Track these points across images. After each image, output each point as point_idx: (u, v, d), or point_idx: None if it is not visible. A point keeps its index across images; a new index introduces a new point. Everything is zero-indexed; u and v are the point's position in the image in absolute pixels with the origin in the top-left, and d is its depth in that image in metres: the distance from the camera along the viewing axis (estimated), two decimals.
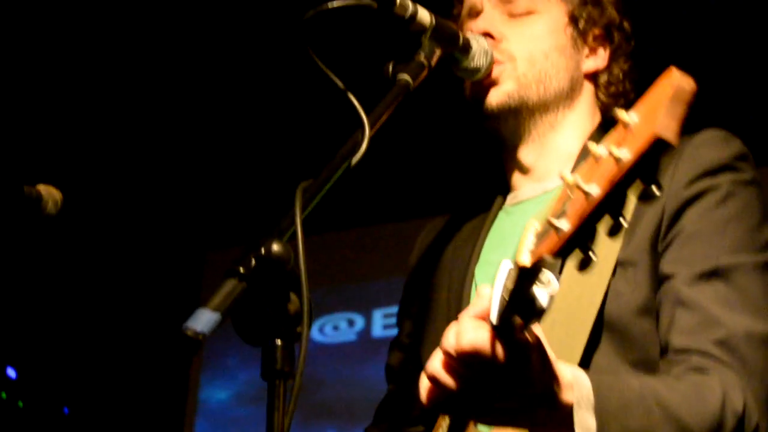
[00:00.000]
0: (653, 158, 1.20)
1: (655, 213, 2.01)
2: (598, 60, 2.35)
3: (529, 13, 2.30)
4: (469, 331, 1.53)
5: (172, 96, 5.37)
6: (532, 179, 2.31)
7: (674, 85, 1.19)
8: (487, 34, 2.25)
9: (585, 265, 1.31)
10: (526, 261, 1.38)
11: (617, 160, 1.21)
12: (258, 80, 5.21)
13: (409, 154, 4.98)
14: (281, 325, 1.55)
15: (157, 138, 5.55)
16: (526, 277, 1.38)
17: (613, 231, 1.28)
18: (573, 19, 2.32)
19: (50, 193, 2.02)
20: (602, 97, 2.34)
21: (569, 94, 2.30)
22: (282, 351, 1.55)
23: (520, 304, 1.42)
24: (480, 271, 2.23)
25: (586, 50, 2.34)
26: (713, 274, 1.93)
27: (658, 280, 1.97)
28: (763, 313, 1.91)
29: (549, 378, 1.58)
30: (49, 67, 5.09)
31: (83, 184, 4.97)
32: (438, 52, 2.06)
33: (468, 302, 2.16)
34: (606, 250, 1.97)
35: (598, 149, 1.27)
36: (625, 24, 2.38)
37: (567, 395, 1.61)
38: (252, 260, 1.54)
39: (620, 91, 2.34)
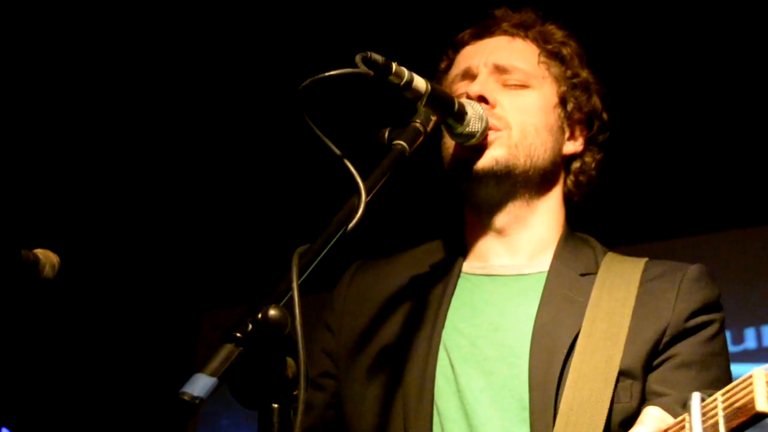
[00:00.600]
0: None
1: (657, 331, 2.15)
2: (576, 145, 2.41)
3: (523, 86, 2.35)
4: None
5: (170, 157, 5.39)
6: (504, 253, 2.33)
7: None
8: (482, 98, 2.28)
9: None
10: (766, 408, 1.51)
11: None
12: (255, 145, 5.24)
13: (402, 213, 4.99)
14: (278, 389, 1.56)
15: (153, 200, 5.56)
16: (755, 421, 1.54)
17: None
18: (562, 101, 2.38)
19: (47, 257, 2.02)
20: (570, 184, 2.40)
21: (547, 175, 2.35)
22: (279, 415, 1.56)
23: None
24: (449, 337, 2.22)
25: (567, 133, 2.39)
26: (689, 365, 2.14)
27: (647, 394, 2.12)
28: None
29: None
30: (45, 128, 5.12)
31: (80, 246, 4.98)
32: (434, 119, 2.09)
33: (434, 366, 2.17)
34: (609, 352, 2.10)
35: None
36: (604, 115, 2.45)
37: None
38: (249, 325, 1.54)
39: (588, 180, 2.42)
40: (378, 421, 2.20)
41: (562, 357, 2.10)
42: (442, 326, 2.23)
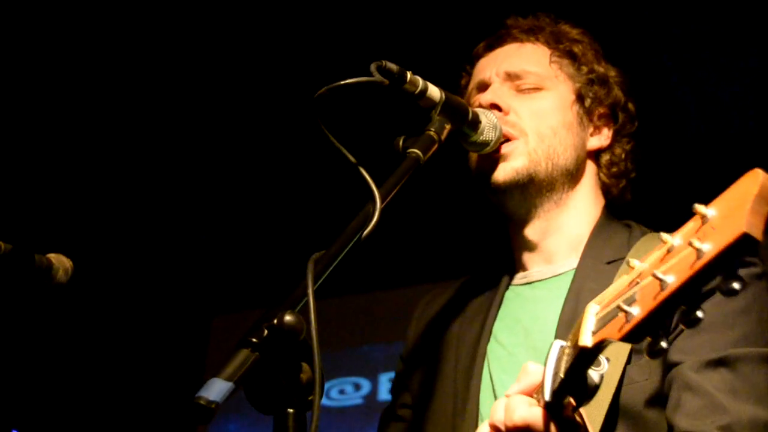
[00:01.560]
0: (735, 254, 1.23)
1: None
2: (602, 139, 2.40)
3: (537, 89, 2.35)
4: (522, 406, 1.56)
5: (182, 163, 5.41)
6: (541, 260, 2.34)
7: (760, 183, 1.23)
8: (495, 106, 2.29)
9: (657, 354, 1.33)
10: (588, 342, 1.41)
11: (698, 251, 1.24)
12: (268, 152, 5.25)
13: (417, 220, 5.00)
14: (293, 394, 1.57)
15: (165, 206, 5.58)
16: (586, 357, 1.43)
17: (690, 323, 1.30)
18: (580, 97, 2.37)
19: (61, 262, 2.03)
20: (603, 177, 2.39)
21: (574, 172, 2.34)
22: (294, 420, 1.57)
23: (574, 384, 1.47)
24: (492, 349, 2.25)
25: (590, 128, 2.38)
26: (720, 363, 1.97)
27: (667, 367, 2.02)
28: (766, 403, 1.95)
29: None
30: (58, 136, 5.14)
31: (93, 251, 5.00)
32: (448, 127, 2.09)
33: (479, 379, 2.20)
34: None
35: (673, 240, 1.30)
36: (630, 105, 2.43)
37: None
38: (264, 330, 1.55)
39: (622, 171, 2.39)
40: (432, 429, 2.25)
41: None
42: (487, 340, 2.27)
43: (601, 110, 2.39)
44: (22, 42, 4.69)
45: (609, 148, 2.40)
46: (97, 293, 5.35)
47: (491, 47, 2.47)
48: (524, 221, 2.34)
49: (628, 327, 1.33)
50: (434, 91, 2.09)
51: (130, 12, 4.63)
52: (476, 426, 2.16)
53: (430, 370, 2.34)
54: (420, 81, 2.06)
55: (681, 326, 1.30)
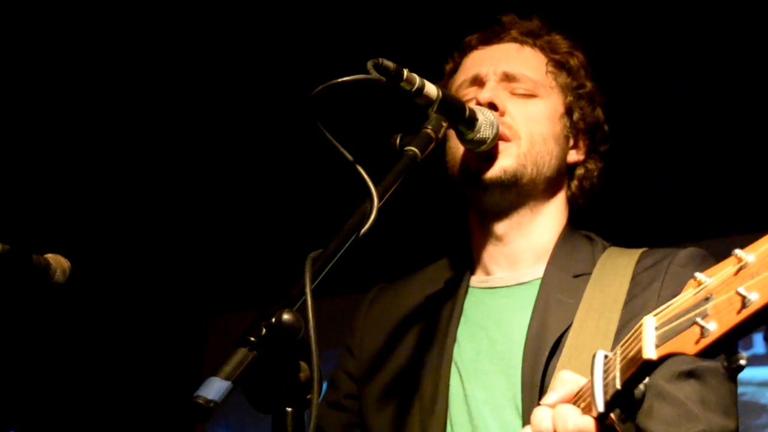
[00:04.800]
0: None
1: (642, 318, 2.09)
2: (579, 153, 2.45)
3: (531, 95, 2.38)
4: (574, 415, 1.57)
5: (179, 163, 5.41)
6: (505, 263, 2.36)
7: None
8: (492, 105, 2.30)
9: (735, 371, 1.34)
10: (653, 355, 1.43)
11: None
12: (265, 151, 5.26)
13: (416, 218, 5.00)
14: (292, 393, 1.57)
15: (162, 206, 5.58)
16: (646, 370, 1.45)
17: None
18: (568, 111, 2.42)
19: (58, 262, 2.02)
20: (574, 189, 2.44)
21: (552, 183, 2.38)
22: (292, 418, 1.57)
23: (627, 396, 1.50)
24: (457, 353, 2.27)
25: (572, 142, 2.43)
26: (691, 375, 2.04)
27: None
28: (731, 414, 2.05)
29: None
30: (56, 135, 5.14)
31: (90, 251, 4.99)
32: (445, 125, 2.10)
33: (447, 381, 2.22)
34: (598, 347, 2.06)
35: (747, 257, 1.31)
36: (606, 126, 2.49)
37: None
38: (263, 329, 1.55)
39: (590, 186, 2.45)
40: (397, 427, 2.25)
41: (545, 358, 2.12)
42: (453, 342, 2.28)
43: (584, 126, 2.44)
44: (19, 40, 4.69)
45: (583, 163, 2.45)
46: (94, 293, 5.34)
47: (487, 41, 2.48)
48: (496, 220, 2.36)
49: (706, 342, 1.34)
50: (431, 89, 2.09)
51: (124, 8, 4.63)
52: (445, 421, 2.19)
53: (388, 369, 2.34)
54: (417, 79, 2.06)
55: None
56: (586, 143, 2.45)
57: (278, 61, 4.84)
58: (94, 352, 5.71)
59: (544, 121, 2.36)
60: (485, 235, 2.38)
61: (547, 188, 2.37)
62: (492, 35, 2.48)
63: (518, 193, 2.32)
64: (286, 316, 1.55)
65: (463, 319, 2.32)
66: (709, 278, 1.36)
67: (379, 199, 1.80)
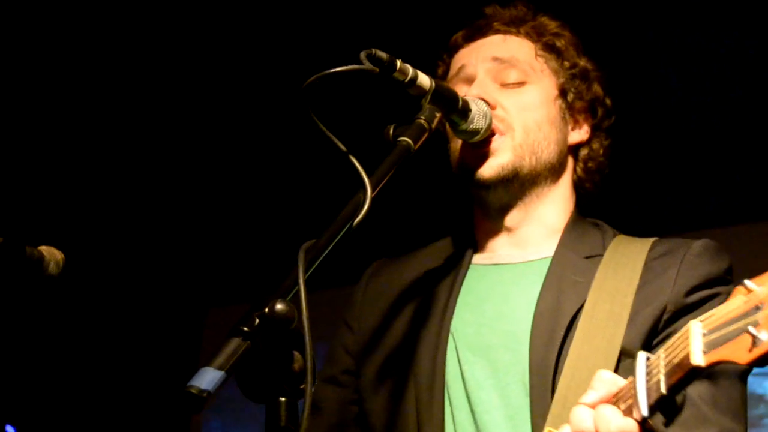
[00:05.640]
0: None
1: (657, 308, 2.11)
2: (581, 133, 2.42)
3: (521, 83, 2.36)
4: (617, 417, 1.58)
5: (174, 155, 5.41)
6: (512, 243, 2.35)
7: None
8: (482, 101, 2.29)
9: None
10: (701, 362, 1.43)
11: None
12: (259, 143, 5.25)
13: (416, 211, 5.01)
14: (285, 383, 1.57)
15: (158, 198, 5.58)
16: (693, 376, 1.46)
17: None
18: (563, 92, 2.39)
19: (52, 254, 2.02)
20: (579, 171, 2.42)
21: (557, 167, 2.36)
22: (286, 408, 1.57)
23: (670, 401, 1.52)
24: (456, 327, 2.25)
25: (571, 123, 2.41)
26: (703, 375, 2.01)
27: None
28: (740, 418, 2.06)
29: None
30: (50, 126, 5.13)
31: (85, 243, 4.99)
32: (438, 115, 2.10)
33: (444, 355, 2.20)
34: (611, 332, 2.04)
35: None
36: (607, 100, 2.46)
37: None
38: (256, 319, 1.56)
39: (598, 166, 2.43)
40: (393, 409, 2.23)
41: (560, 339, 2.11)
42: (451, 316, 2.26)
43: (582, 105, 2.41)
44: (18, 38, 4.69)
45: (587, 143, 2.43)
46: (90, 286, 5.34)
47: (471, 38, 2.46)
48: (503, 211, 2.35)
49: (759, 351, 1.34)
50: (424, 80, 2.09)
51: (121, 5, 4.63)
52: (443, 401, 2.17)
53: (386, 343, 2.32)
54: (410, 69, 2.06)
55: None
56: (588, 121, 2.43)
57: (271, 53, 4.83)
58: (91, 345, 5.71)
59: (538, 107, 2.34)
60: (492, 225, 2.37)
61: (550, 174, 2.35)
62: (475, 30, 2.46)
63: (520, 185, 2.32)
64: (279, 306, 1.55)
65: (463, 291, 2.30)
66: (760, 287, 1.37)
67: (372, 190, 1.80)
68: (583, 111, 2.42)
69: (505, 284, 2.30)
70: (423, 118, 2.06)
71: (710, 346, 1.42)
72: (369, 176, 1.83)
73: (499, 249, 2.36)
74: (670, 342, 1.53)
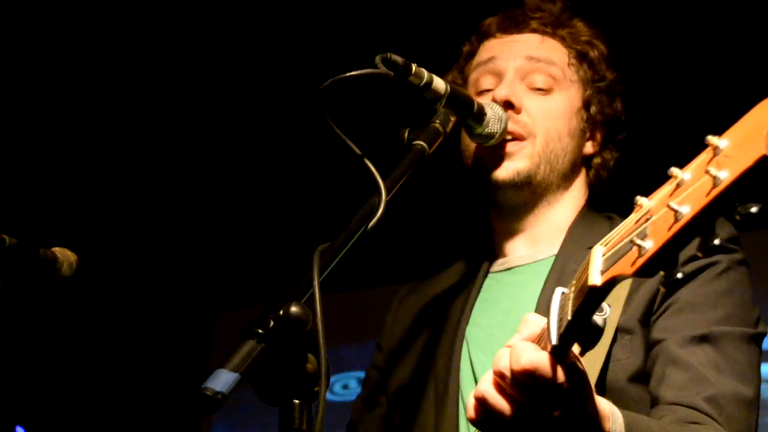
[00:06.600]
0: (752, 177, 1.21)
1: (653, 282, 2.09)
2: (595, 144, 2.43)
3: (549, 90, 2.36)
4: (528, 350, 1.54)
5: (187, 158, 5.41)
6: (525, 244, 2.37)
7: None
8: (508, 102, 2.29)
9: (673, 285, 1.32)
10: (598, 281, 1.40)
11: (715, 179, 1.23)
12: (275, 145, 5.26)
13: (423, 213, 5.00)
14: (299, 385, 1.57)
15: (169, 202, 5.59)
16: (595, 297, 1.42)
17: (707, 252, 1.29)
18: (586, 105, 2.39)
19: (65, 255, 2.03)
20: (591, 177, 2.43)
21: (568, 175, 2.37)
22: (300, 410, 1.57)
23: (581, 328, 1.47)
24: (471, 332, 2.28)
25: (587, 135, 2.41)
26: (704, 339, 2.03)
27: (650, 346, 2.07)
28: (747, 380, 2.02)
29: (593, 406, 1.62)
30: (64, 130, 5.15)
31: (97, 246, 5.00)
32: (453, 119, 2.11)
33: (458, 360, 2.24)
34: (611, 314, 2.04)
35: (683, 174, 1.29)
36: (623, 117, 2.46)
37: (606, 424, 1.65)
38: (270, 321, 1.56)
39: (608, 175, 2.44)
40: (414, 416, 2.26)
41: None
42: (466, 323, 2.29)
43: (601, 119, 2.41)
44: (22, 38, 4.70)
45: (599, 153, 2.44)
46: (102, 288, 5.35)
47: (506, 30, 2.44)
48: (514, 214, 2.37)
49: (641, 260, 1.32)
50: (439, 84, 2.09)
51: (126, 5, 4.64)
52: (458, 405, 2.19)
53: (409, 356, 2.36)
54: (425, 73, 2.07)
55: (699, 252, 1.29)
56: (602, 135, 2.43)
57: (286, 56, 4.84)
58: (102, 347, 5.72)
59: (561, 117, 2.34)
60: (506, 226, 2.39)
61: (563, 182, 2.36)
62: (512, 23, 2.44)
63: (532, 191, 2.32)
64: (293, 309, 1.55)
65: (479, 299, 2.33)
66: (649, 200, 1.35)
67: (387, 193, 1.80)
68: (601, 125, 2.42)
69: (516, 285, 2.32)
70: (438, 121, 2.07)
71: (607, 265, 1.39)
72: (384, 179, 1.83)
73: (513, 251, 2.38)
74: (579, 271, 1.50)
